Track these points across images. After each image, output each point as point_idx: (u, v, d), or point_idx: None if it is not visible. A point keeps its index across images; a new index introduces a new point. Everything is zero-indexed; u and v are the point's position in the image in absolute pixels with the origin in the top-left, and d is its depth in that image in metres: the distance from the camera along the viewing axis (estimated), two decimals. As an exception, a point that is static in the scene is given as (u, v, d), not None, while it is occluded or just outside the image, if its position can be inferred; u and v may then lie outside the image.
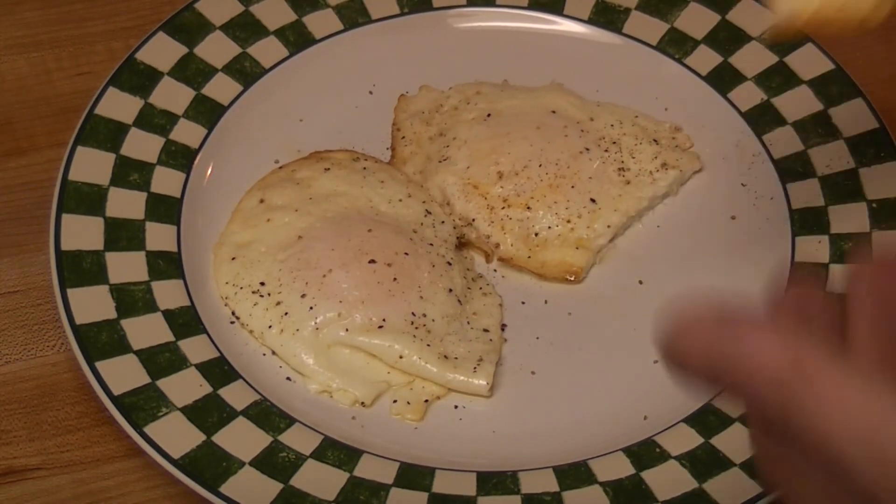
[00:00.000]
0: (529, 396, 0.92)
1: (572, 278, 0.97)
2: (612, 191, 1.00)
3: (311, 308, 0.92)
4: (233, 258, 0.96)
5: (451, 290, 0.94)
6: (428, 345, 0.91)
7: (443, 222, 0.99)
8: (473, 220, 0.99)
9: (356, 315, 0.91)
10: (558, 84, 1.08)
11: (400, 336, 0.91)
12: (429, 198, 1.00)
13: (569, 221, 0.98)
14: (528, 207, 0.98)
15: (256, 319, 0.93)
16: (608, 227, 0.99)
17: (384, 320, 0.91)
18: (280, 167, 1.02)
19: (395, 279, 0.92)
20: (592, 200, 0.99)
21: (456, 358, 0.91)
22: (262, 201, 0.99)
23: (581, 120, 1.04)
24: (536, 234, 0.98)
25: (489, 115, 1.04)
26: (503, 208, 0.99)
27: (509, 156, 1.00)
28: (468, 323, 0.94)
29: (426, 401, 0.90)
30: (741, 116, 1.06)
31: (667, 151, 1.03)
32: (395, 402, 0.90)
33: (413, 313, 0.92)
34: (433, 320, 0.92)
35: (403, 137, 1.05)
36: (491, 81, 1.09)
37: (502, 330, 0.95)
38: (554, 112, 1.04)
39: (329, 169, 1.01)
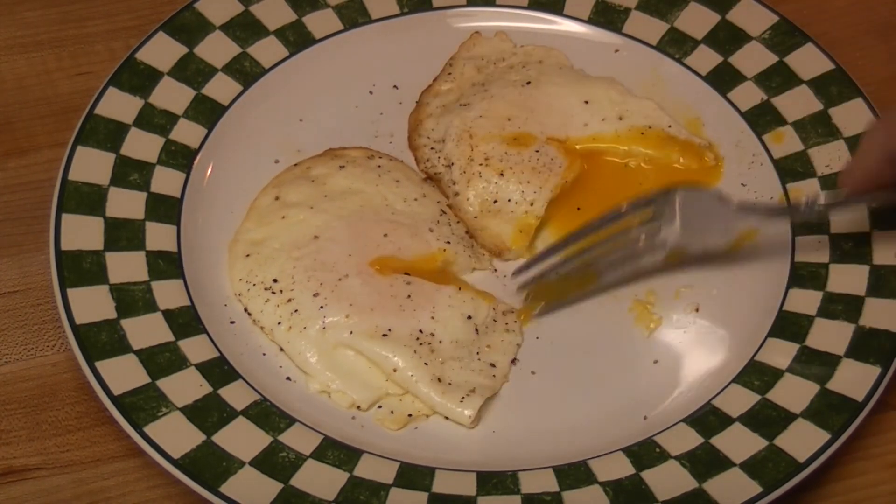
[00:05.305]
0: (529, 396, 0.92)
1: (498, 254, 0.98)
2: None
3: (322, 307, 0.92)
4: (247, 255, 0.96)
5: (469, 318, 0.93)
6: (426, 363, 0.90)
7: (458, 221, 0.99)
8: (452, 163, 1.00)
9: (363, 319, 0.91)
10: (611, 78, 1.08)
11: (401, 349, 0.90)
12: (443, 198, 1.00)
13: (532, 205, 0.99)
14: (502, 174, 0.99)
15: (267, 315, 0.93)
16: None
17: (389, 330, 0.91)
18: (295, 164, 1.02)
19: (409, 296, 0.92)
20: (586, 102, 1.04)
21: (449, 383, 0.90)
22: (277, 198, 0.99)
23: (607, 118, 1.04)
24: (495, 202, 0.99)
25: (529, 83, 1.05)
26: (481, 164, 1.00)
27: (519, 130, 1.01)
28: (478, 353, 0.92)
29: (410, 415, 0.90)
30: (741, 116, 1.05)
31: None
32: (379, 407, 0.90)
33: (420, 330, 0.91)
34: (440, 342, 0.92)
35: (450, 74, 1.07)
36: (562, 52, 1.09)
37: (512, 364, 0.93)
38: (587, 102, 1.05)
39: (344, 167, 1.00)
